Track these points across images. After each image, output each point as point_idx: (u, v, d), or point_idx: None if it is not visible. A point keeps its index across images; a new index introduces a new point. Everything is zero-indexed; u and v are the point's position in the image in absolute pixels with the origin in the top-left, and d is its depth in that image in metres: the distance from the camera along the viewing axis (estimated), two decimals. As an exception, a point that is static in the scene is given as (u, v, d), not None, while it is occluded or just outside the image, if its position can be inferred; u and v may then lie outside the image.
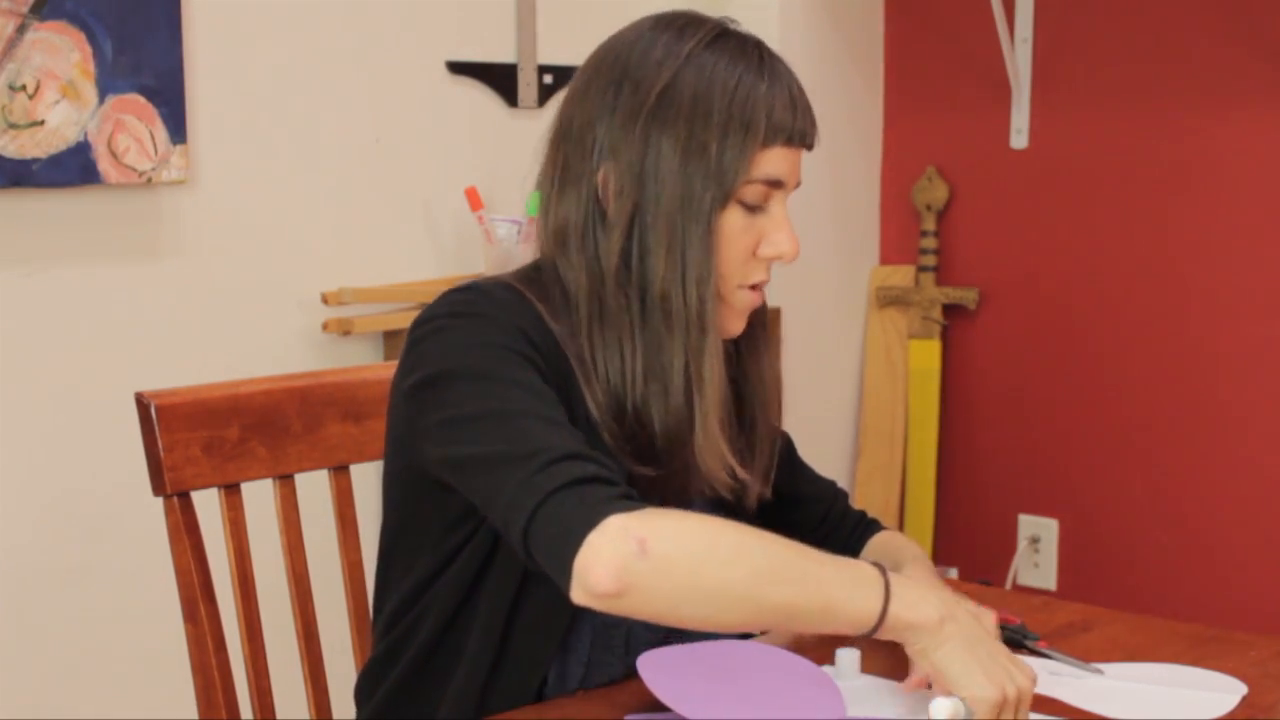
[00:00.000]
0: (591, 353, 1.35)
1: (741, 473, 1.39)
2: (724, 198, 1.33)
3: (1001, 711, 1.20)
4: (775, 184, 1.35)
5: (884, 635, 1.21)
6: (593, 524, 1.15)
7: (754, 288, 1.38)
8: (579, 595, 1.16)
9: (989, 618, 1.35)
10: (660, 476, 1.37)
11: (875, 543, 1.59)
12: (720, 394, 1.35)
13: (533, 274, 1.41)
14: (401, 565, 1.41)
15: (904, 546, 1.55)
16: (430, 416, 1.29)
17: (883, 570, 1.22)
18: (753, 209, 1.35)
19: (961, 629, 1.22)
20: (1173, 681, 1.40)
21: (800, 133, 1.36)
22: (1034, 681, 1.24)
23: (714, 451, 1.35)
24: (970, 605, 1.33)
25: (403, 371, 1.35)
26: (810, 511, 1.61)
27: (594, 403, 1.35)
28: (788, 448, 1.61)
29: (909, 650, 1.24)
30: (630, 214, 1.33)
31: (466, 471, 1.25)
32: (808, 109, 1.37)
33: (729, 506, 1.46)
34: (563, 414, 1.27)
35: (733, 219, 1.34)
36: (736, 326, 1.40)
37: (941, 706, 1.20)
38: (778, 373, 1.49)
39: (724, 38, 1.36)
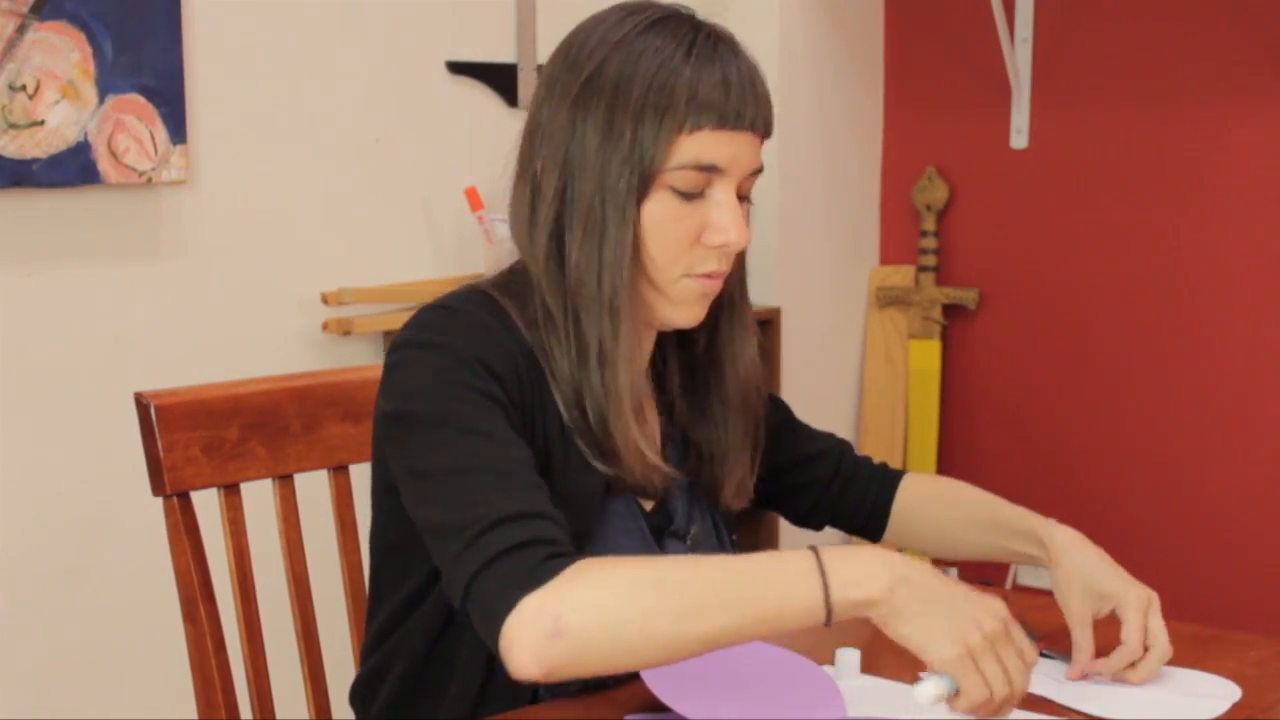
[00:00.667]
0: (548, 344, 1.34)
1: (655, 459, 1.35)
2: (642, 184, 1.29)
3: (978, 661, 1.15)
4: (709, 169, 1.30)
5: (841, 618, 1.16)
6: (510, 607, 1.15)
7: (708, 277, 1.34)
8: (513, 675, 1.16)
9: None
10: (624, 474, 1.36)
11: (919, 491, 1.59)
12: (635, 382, 1.33)
13: (511, 276, 1.41)
14: (390, 584, 1.41)
15: (962, 489, 1.58)
16: (398, 460, 1.30)
17: (817, 555, 1.17)
18: (689, 196, 1.31)
19: (916, 590, 1.15)
20: (1170, 683, 1.40)
21: (735, 114, 1.29)
22: (1003, 618, 1.17)
23: (627, 437, 1.33)
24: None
25: (379, 393, 1.35)
26: (823, 468, 1.60)
27: (563, 404, 1.34)
28: (785, 412, 1.60)
29: (874, 622, 1.20)
30: (557, 198, 1.32)
31: (423, 534, 1.26)
32: (748, 90, 1.30)
33: (705, 491, 1.46)
34: (515, 452, 1.25)
35: (662, 205, 1.30)
36: (687, 315, 1.36)
37: (924, 691, 1.17)
38: (755, 374, 1.45)
39: (663, 22, 1.32)
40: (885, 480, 1.61)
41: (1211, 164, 2.95)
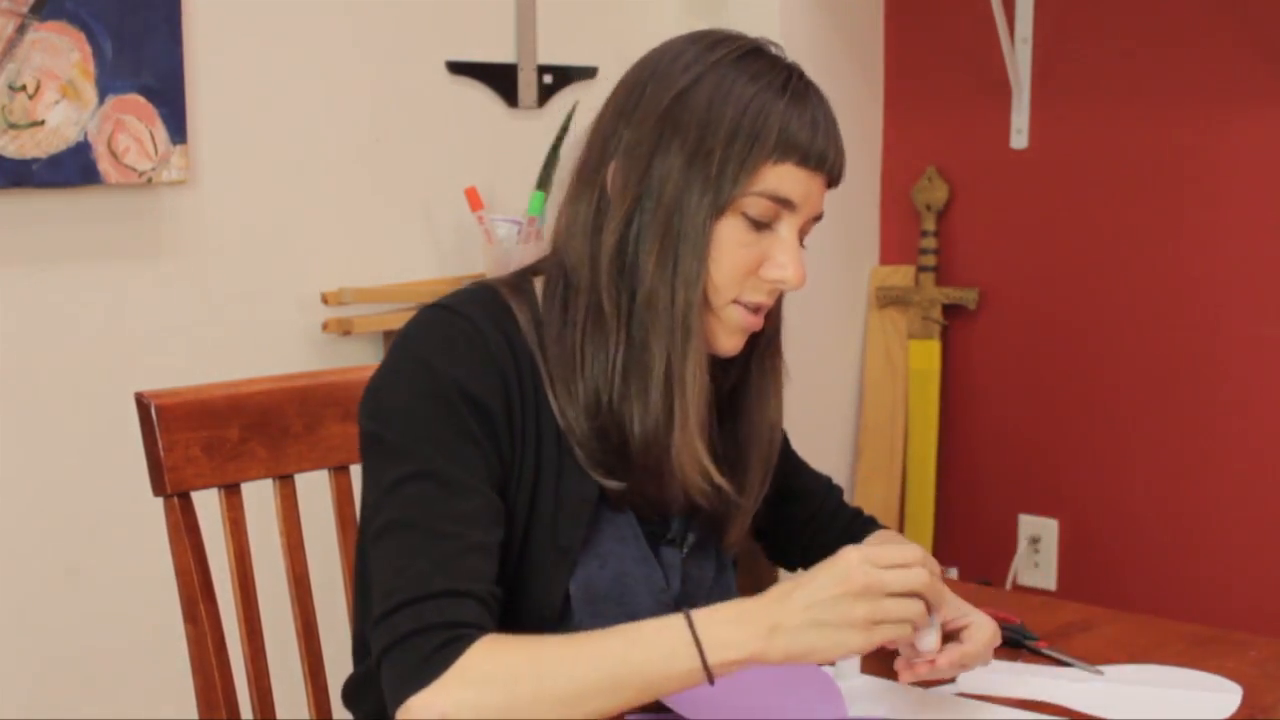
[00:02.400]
0: (581, 348, 1.34)
1: (719, 479, 1.37)
2: (721, 205, 1.31)
3: (878, 616, 1.17)
4: (784, 203, 1.32)
5: (727, 674, 1.19)
6: (399, 702, 1.19)
7: (754, 310, 1.36)
8: None
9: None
10: (633, 488, 1.36)
11: (871, 542, 1.57)
12: (701, 400, 1.34)
13: (526, 275, 1.41)
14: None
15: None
16: (365, 476, 1.33)
17: (690, 624, 1.19)
18: (758, 225, 1.32)
19: (787, 629, 1.17)
20: (1171, 684, 1.40)
21: (818, 156, 1.32)
22: (853, 565, 1.17)
23: (691, 454, 1.34)
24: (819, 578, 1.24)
25: (367, 387, 1.36)
26: (802, 508, 1.60)
27: (568, 411, 1.34)
28: (783, 443, 1.60)
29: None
30: (630, 209, 1.33)
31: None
32: (833, 138, 1.34)
33: (711, 526, 1.46)
34: (466, 504, 1.27)
35: (732, 230, 1.32)
36: (727, 344, 1.37)
37: (926, 639, 1.21)
38: (777, 421, 1.46)
39: (756, 54, 1.35)
40: (858, 531, 1.60)
41: (1211, 164, 2.95)
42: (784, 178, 1.31)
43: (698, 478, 1.35)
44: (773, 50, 1.37)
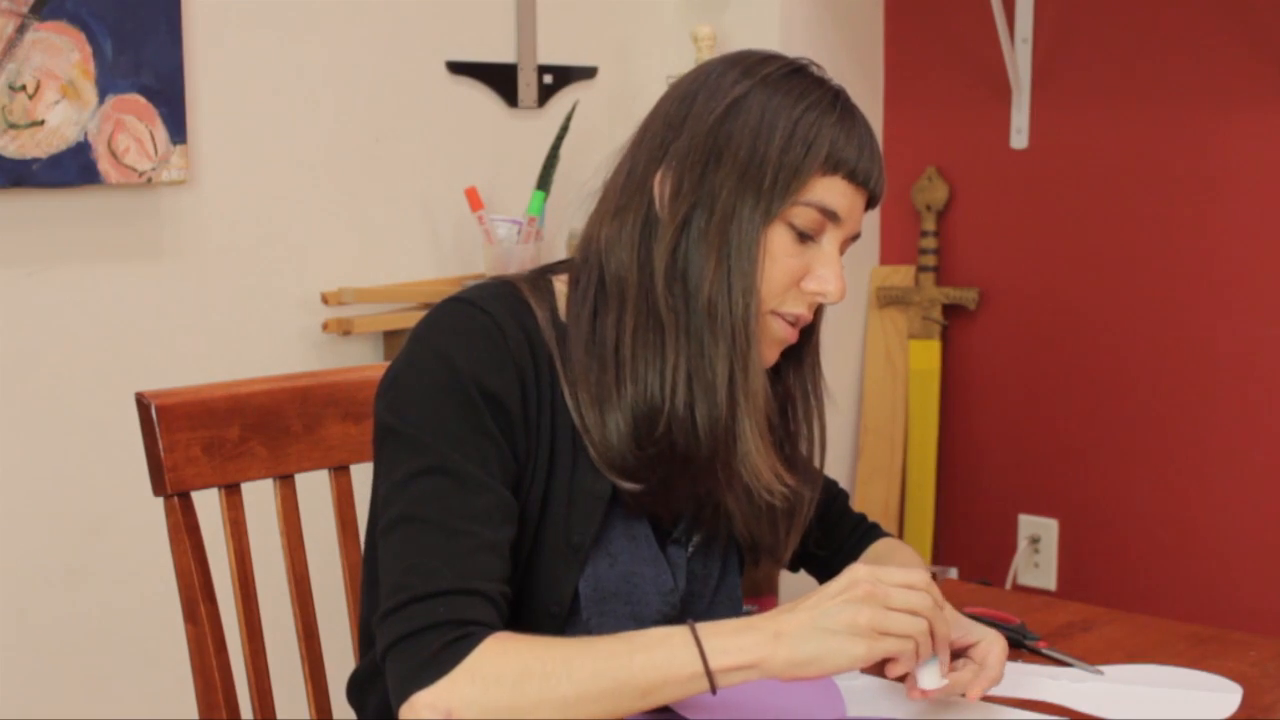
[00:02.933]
0: (631, 356, 1.34)
1: (790, 479, 1.38)
2: (773, 213, 1.32)
3: (881, 628, 1.17)
4: (830, 215, 1.34)
5: (731, 685, 1.20)
6: (404, 698, 1.20)
7: (793, 322, 1.37)
8: None
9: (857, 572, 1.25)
10: (646, 492, 1.36)
11: (872, 553, 1.57)
12: (765, 403, 1.35)
13: (546, 275, 1.42)
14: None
15: (898, 558, 1.54)
16: (378, 468, 1.34)
17: (694, 633, 1.20)
18: (803, 236, 1.34)
19: (791, 637, 1.18)
20: (1171, 683, 1.40)
21: (865, 173, 1.34)
22: (861, 579, 1.18)
23: (763, 456, 1.34)
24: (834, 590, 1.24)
25: (383, 377, 1.36)
26: None
27: (586, 412, 1.34)
28: None
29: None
30: (684, 218, 1.34)
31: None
32: (877, 159, 1.36)
33: (716, 526, 1.46)
34: (479, 500, 1.27)
35: (780, 239, 1.33)
36: (765, 355, 1.38)
37: (927, 676, 1.21)
38: (822, 422, 1.47)
39: (803, 72, 1.37)
40: (861, 538, 1.60)
41: (1211, 164, 2.95)
42: (832, 190, 1.33)
43: (771, 478, 1.36)
44: (816, 70, 1.39)
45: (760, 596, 3.00)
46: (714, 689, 1.19)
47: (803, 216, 1.33)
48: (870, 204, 1.38)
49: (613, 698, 1.19)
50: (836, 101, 1.35)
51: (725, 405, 1.33)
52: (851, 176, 1.34)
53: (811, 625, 1.18)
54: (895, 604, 1.19)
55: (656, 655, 1.20)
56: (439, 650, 1.20)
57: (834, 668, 1.18)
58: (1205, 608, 2.98)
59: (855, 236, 1.39)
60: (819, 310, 1.42)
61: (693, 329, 1.34)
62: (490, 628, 1.22)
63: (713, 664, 1.18)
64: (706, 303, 1.33)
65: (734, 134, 1.33)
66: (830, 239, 1.35)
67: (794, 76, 1.36)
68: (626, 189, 1.38)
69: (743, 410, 1.34)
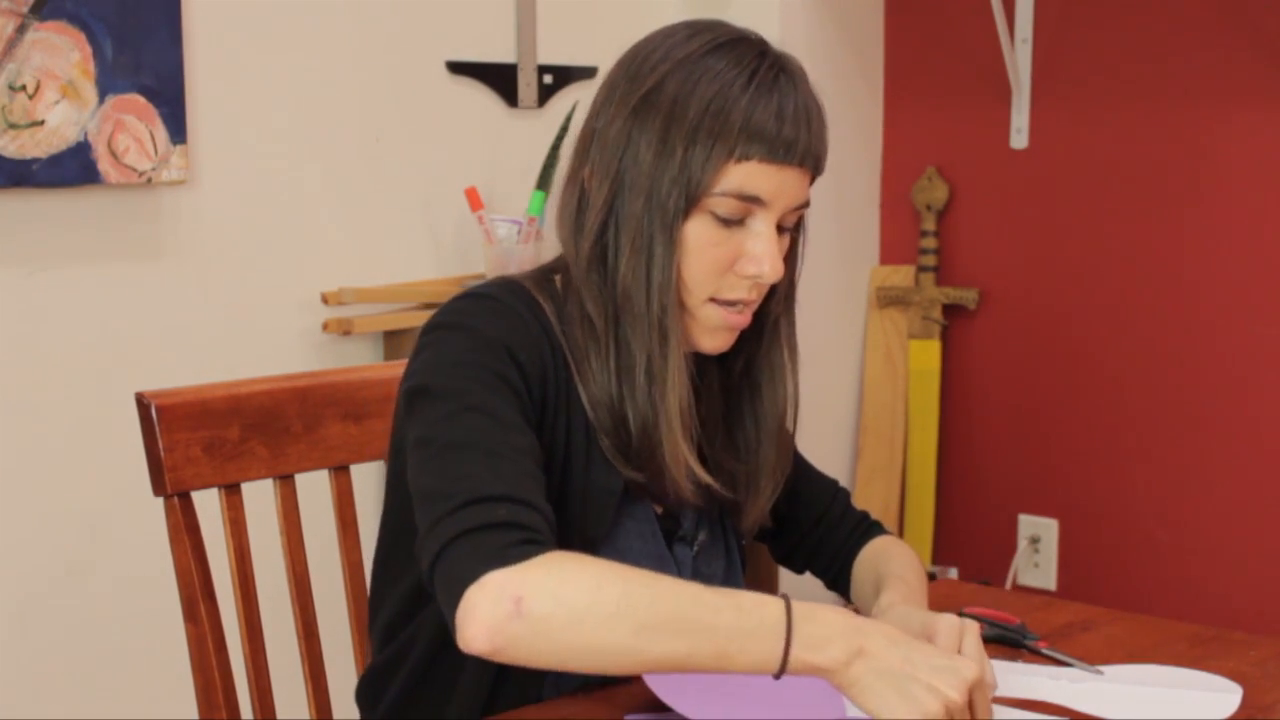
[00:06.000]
0: (585, 351, 1.35)
1: (705, 476, 1.36)
2: (687, 205, 1.30)
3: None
4: (752, 200, 1.31)
5: (793, 674, 1.16)
6: (475, 577, 1.14)
7: (733, 306, 1.35)
8: (462, 647, 1.16)
9: (961, 632, 1.25)
10: (650, 482, 1.37)
11: (868, 551, 1.57)
12: (683, 402, 1.33)
13: (545, 274, 1.42)
14: (396, 570, 1.41)
15: (894, 556, 1.52)
16: (410, 432, 1.30)
17: (788, 610, 1.16)
18: (728, 222, 1.31)
19: (873, 665, 1.14)
20: (1171, 683, 1.40)
21: (786, 147, 1.30)
22: (969, 682, 1.15)
23: (675, 452, 1.33)
24: (924, 619, 1.25)
25: (405, 375, 1.36)
26: (808, 510, 1.59)
27: (591, 405, 1.35)
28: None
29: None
30: (605, 209, 1.33)
31: (414, 499, 1.26)
32: (802, 125, 1.31)
33: (723, 522, 1.46)
34: (517, 438, 1.25)
35: (701, 229, 1.31)
36: (709, 343, 1.37)
37: None
38: (792, 403, 1.45)
39: (729, 46, 1.33)
40: (860, 537, 1.59)
41: (1211, 164, 2.95)
42: (750, 174, 1.30)
43: (684, 476, 1.35)
44: (751, 38, 1.35)
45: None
46: (779, 674, 1.15)
47: (723, 205, 1.31)
48: (813, 172, 1.34)
49: (685, 637, 1.14)
50: (754, 75, 1.31)
51: (646, 400, 1.33)
52: (771, 156, 1.29)
53: (893, 673, 1.14)
54: (978, 714, 1.17)
55: (745, 618, 1.15)
56: (510, 546, 1.15)
57: (875, 715, 1.15)
58: (1205, 608, 2.98)
59: (802, 206, 1.35)
60: (773, 289, 1.39)
61: (619, 322, 1.33)
62: (551, 545, 1.17)
63: (793, 651, 1.14)
64: (624, 297, 1.32)
65: (646, 125, 1.31)
66: (760, 220, 1.32)
67: (715, 53, 1.32)
68: (568, 178, 1.39)
69: (660, 404, 1.32)
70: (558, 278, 1.42)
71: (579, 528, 1.35)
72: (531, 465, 1.25)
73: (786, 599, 1.17)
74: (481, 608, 1.13)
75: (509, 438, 1.25)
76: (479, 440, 1.23)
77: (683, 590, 1.16)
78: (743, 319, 1.36)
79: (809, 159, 1.32)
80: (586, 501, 1.35)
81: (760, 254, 1.32)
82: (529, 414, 1.30)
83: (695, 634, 1.14)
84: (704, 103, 1.29)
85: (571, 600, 1.13)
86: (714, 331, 1.36)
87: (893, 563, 1.51)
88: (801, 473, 1.60)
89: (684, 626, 1.14)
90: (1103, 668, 1.44)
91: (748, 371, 1.44)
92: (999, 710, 1.33)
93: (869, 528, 1.60)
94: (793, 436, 1.49)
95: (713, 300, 1.34)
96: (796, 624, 1.15)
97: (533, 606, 1.13)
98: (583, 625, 1.13)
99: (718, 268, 1.33)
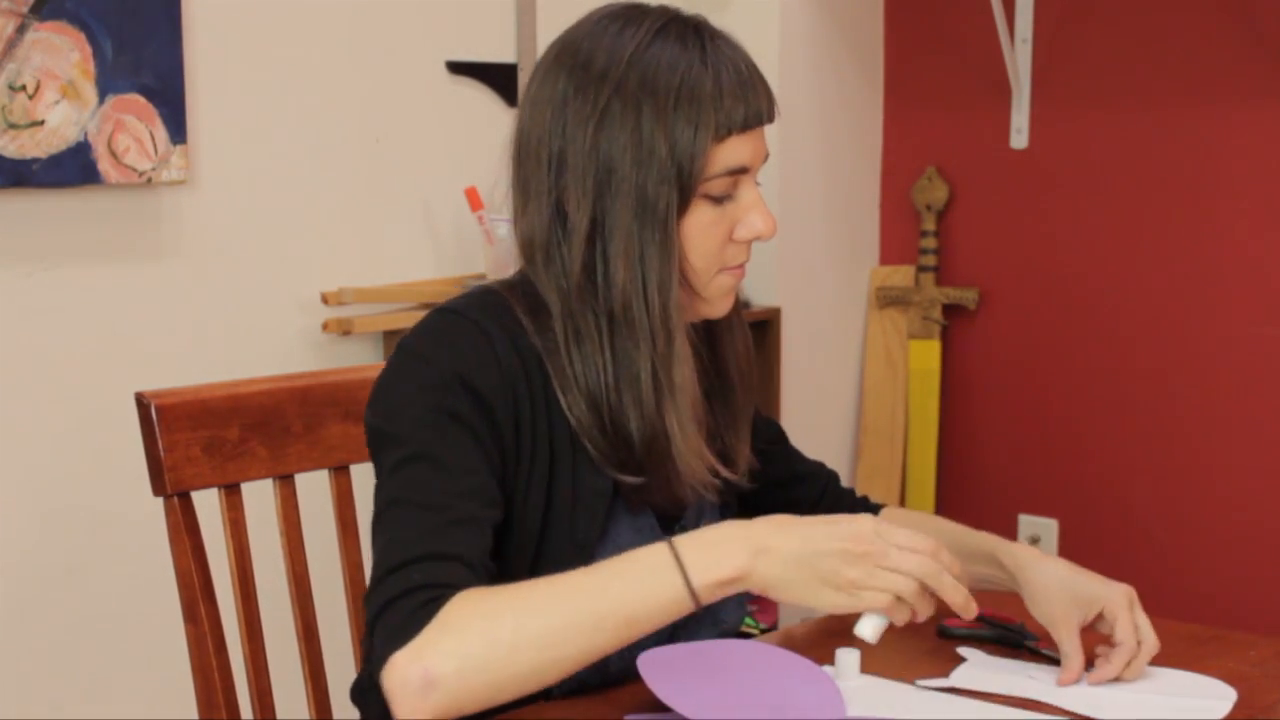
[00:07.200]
0: (570, 366, 1.35)
1: (724, 471, 1.39)
2: (684, 199, 1.31)
3: (868, 582, 1.17)
4: (739, 170, 1.33)
5: (714, 599, 1.18)
6: (385, 663, 1.18)
7: (738, 268, 1.38)
8: None
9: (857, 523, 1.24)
10: (647, 485, 1.37)
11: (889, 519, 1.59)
12: (692, 398, 1.35)
13: (524, 278, 1.42)
14: None
15: (926, 518, 1.58)
16: (375, 469, 1.34)
17: (672, 546, 1.19)
18: (720, 200, 1.34)
19: (778, 555, 1.18)
20: (1165, 686, 1.40)
21: (755, 114, 1.33)
22: (869, 532, 1.18)
23: (694, 456, 1.35)
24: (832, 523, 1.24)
25: (371, 393, 1.37)
26: (808, 490, 1.62)
27: (574, 415, 1.35)
28: (778, 430, 1.63)
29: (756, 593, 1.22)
30: (590, 224, 1.32)
31: None
32: (759, 85, 1.34)
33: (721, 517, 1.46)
34: (460, 484, 1.27)
35: (700, 215, 1.33)
36: (718, 309, 1.40)
37: (861, 631, 1.22)
38: (748, 345, 1.48)
39: (665, 30, 1.33)
40: (865, 510, 1.61)
41: (1211, 164, 2.95)
42: (734, 148, 1.32)
43: (705, 475, 1.37)
44: (671, 12, 1.35)
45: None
46: (698, 606, 1.18)
47: (717, 186, 1.33)
48: (769, 121, 1.36)
49: (592, 631, 1.17)
50: (704, 53, 1.31)
51: (654, 406, 1.33)
52: (746, 125, 1.32)
53: (797, 558, 1.18)
54: (889, 564, 1.19)
55: (635, 580, 1.18)
56: (414, 612, 1.18)
57: (806, 605, 1.19)
58: (1205, 608, 2.98)
59: (764, 160, 1.37)
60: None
61: (616, 335, 1.34)
62: (464, 588, 1.20)
63: (694, 581, 1.17)
64: (622, 308, 1.32)
65: (617, 131, 1.30)
66: (746, 186, 1.35)
67: (658, 42, 1.31)
68: (526, 196, 1.37)
69: (671, 410, 1.33)
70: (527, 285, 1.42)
71: (570, 532, 1.35)
72: (468, 509, 1.27)
73: (669, 539, 1.19)
74: (398, 693, 1.17)
75: (446, 484, 1.27)
76: (413, 496, 1.26)
77: (566, 586, 1.19)
78: (743, 273, 1.40)
79: (770, 113, 1.35)
80: (577, 504, 1.35)
81: (756, 217, 1.35)
82: (486, 444, 1.31)
83: (596, 619, 1.17)
84: (672, 94, 1.30)
85: (469, 650, 1.16)
86: (723, 297, 1.39)
87: (937, 523, 1.56)
88: (797, 456, 1.64)
89: (583, 620, 1.17)
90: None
91: (707, 328, 1.46)
92: (999, 710, 1.34)
93: (867, 504, 1.64)
94: (755, 376, 1.52)
95: (723, 270, 1.37)
96: (683, 555, 1.18)
97: (438, 672, 1.15)
98: (490, 668, 1.16)
99: (721, 243, 1.35)
